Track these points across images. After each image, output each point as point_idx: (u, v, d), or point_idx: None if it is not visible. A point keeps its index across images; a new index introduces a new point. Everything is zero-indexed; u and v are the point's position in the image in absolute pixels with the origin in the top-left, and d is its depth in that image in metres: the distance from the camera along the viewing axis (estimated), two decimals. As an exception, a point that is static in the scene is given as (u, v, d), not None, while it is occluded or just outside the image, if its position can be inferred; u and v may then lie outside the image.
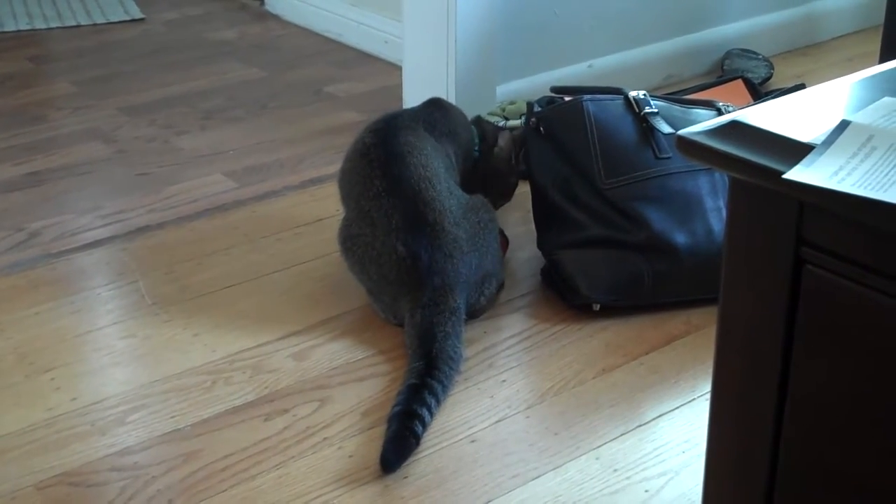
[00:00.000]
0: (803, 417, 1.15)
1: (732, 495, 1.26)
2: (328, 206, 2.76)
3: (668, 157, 2.40)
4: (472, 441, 1.99)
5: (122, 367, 2.21)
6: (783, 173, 1.03)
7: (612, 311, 2.35)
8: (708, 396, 1.27)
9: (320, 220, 2.73)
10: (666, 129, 2.41)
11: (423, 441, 1.97)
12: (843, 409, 1.11)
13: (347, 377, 2.16)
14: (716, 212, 2.38)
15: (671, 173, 2.39)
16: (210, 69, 3.85)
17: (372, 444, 1.95)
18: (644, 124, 2.42)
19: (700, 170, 2.38)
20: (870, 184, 1.00)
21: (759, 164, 1.06)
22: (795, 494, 1.18)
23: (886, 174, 1.02)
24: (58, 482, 1.88)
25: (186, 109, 3.48)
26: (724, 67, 3.66)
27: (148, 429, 2.01)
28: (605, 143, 2.41)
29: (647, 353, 2.23)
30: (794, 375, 1.13)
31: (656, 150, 2.41)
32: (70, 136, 3.29)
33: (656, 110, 2.44)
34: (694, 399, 2.09)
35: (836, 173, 1.02)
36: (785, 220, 1.09)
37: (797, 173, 1.03)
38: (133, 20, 4.37)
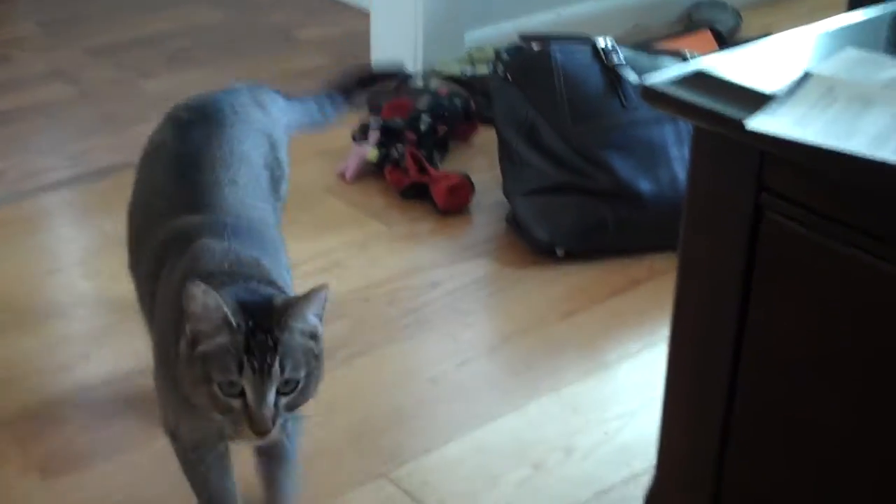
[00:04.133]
0: (759, 361, 1.17)
1: (688, 436, 1.29)
2: (292, 147, 2.75)
3: (636, 106, 2.41)
4: (435, 382, 2.02)
5: (87, 305, 2.22)
6: (746, 122, 1.05)
7: (575, 256, 2.37)
8: (668, 340, 1.30)
9: (286, 162, 2.73)
10: (633, 78, 2.42)
11: (384, 378, 2.00)
12: (799, 354, 1.13)
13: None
14: (680, 160, 2.40)
15: (637, 122, 2.41)
16: (177, 12, 3.82)
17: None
18: (612, 73, 2.43)
19: (666, 119, 2.40)
20: (830, 133, 1.02)
21: (721, 114, 1.08)
22: (750, 435, 1.21)
23: (846, 124, 1.04)
24: (20, 419, 1.89)
25: (152, 52, 3.45)
26: (692, 17, 3.67)
27: (111, 367, 2.02)
28: (573, 90, 2.42)
29: (610, 298, 2.26)
30: (750, 319, 1.15)
31: (623, 99, 2.42)
32: (34, 76, 3.26)
33: (624, 59, 2.45)
34: (655, 342, 2.11)
35: (797, 123, 1.04)
36: (746, 167, 1.11)
37: (759, 122, 1.05)
38: (98, -41, 4.32)
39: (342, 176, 2.70)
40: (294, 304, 1.34)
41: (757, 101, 1.08)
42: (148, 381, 1.94)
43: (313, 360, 1.36)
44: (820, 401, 1.13)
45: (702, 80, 1.13)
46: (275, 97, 1.95)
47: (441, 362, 2.07)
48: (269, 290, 1.40)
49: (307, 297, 1.34)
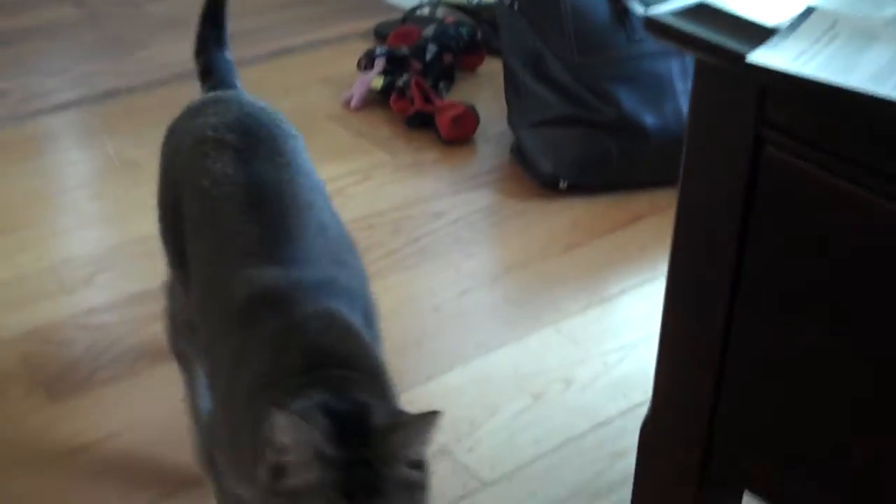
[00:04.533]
0: (756, 293, 1.18)
1: (684, 369, 1.30)
2: (292, 77, 2.75)
3: (642, 39, 2.40)
4: (437, 311, 2.03)
5: (90, 228, 2.22)
6: (747, 56, 1.04)
7: (578, 189, 2.37)
8: (667, 273, 1.30)
9: (287, 90, 2.72)
10: (639, 9, 2.41)
11: (387, 307, 2.00)
12: (796, 287, 1.14)
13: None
14: (686, 94, 2.39)
15: (643, 55, 2.40)
16: (183, -68, 3.79)
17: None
18: (618, 4, 2.42)
19: (672, 52, 2.38)
20: (830, 68, 1.02)
21: (722, 46, 1.07)
22: (745, 368, 1.22)
23: (847, 59, 1.03)
24: (25, 339, 1.91)
25: (158, -27, 3.44)
26: (702, -52, 3.63)
27: (116, 289, 2.03)
28: (580, 21, 2.41)
29: (612, 232, 2.27)
30: (749, 252, 1.16)
31: (630, 32, 2.41)
32: (39, -3, 3.25)
33: (631, -10, 2.44)
34: (656, 276, 2.12)
35: (798, 57, 1.04)
36: (746, 101, 1.11)
37: (760, 56, 1.04)
38: None
39: (347, 104, 2.70)
40: (401, 433, 1.08)
41: (759, 34, 1.08)
42: (152, 306, 1.97)
43: (421, 495, 1.11)
44: (817, 334, 1.14)
45: (704, 12, 1.12)
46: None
47: (443, 291, 2.08)
48: (366, 400, 1.13)
49: (417, 426, 1.09)
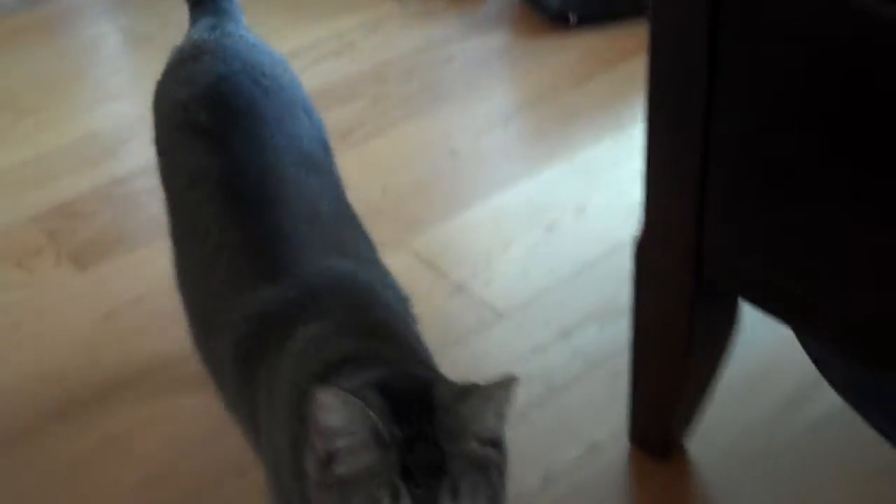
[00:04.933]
0: (732, 101, 1.18)
1: (670, 184, 1.30)
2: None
3: None
4: (452, 154, 2.05)
5: (108, 103, 2.25)
6: None
7: (588, 22, 2.36)
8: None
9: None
10: None
11: (402, 153, 2.03)
12: (769, 93, 1.14)
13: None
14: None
15: None
16: None
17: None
18: None
19: None
20: None
21: None
22: (728, 180, 1.23)
23: None
24: (51, 215, 1.96)
25: None
26: None
27: (139, 158, 2.06)
28: None
29: (623, 61, 2.26)
30: (721, 58, 1.16)
31: None
32: None
33: None
34: (667, 103, 2.12)
35: None
36: None
37: None
38: None
39: (353, -43, 2.68)
40: (469, 403, 0.93)
41: None
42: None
43: (496, 476, 0.95)
44: (794, 136, 1.14)
45: None
46: (246, 30, 1.42)
47: (458, 134, 2.10)
48: (422, 374, 1.00)
49: (488, 392, 0.93)
